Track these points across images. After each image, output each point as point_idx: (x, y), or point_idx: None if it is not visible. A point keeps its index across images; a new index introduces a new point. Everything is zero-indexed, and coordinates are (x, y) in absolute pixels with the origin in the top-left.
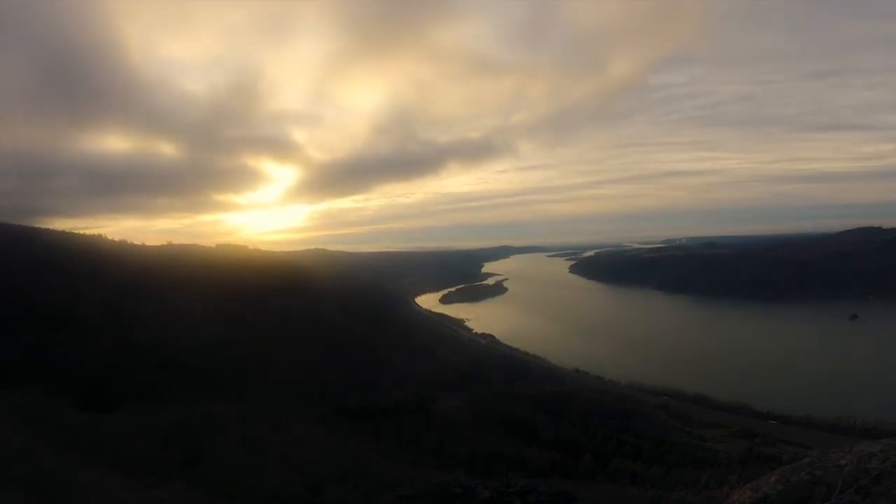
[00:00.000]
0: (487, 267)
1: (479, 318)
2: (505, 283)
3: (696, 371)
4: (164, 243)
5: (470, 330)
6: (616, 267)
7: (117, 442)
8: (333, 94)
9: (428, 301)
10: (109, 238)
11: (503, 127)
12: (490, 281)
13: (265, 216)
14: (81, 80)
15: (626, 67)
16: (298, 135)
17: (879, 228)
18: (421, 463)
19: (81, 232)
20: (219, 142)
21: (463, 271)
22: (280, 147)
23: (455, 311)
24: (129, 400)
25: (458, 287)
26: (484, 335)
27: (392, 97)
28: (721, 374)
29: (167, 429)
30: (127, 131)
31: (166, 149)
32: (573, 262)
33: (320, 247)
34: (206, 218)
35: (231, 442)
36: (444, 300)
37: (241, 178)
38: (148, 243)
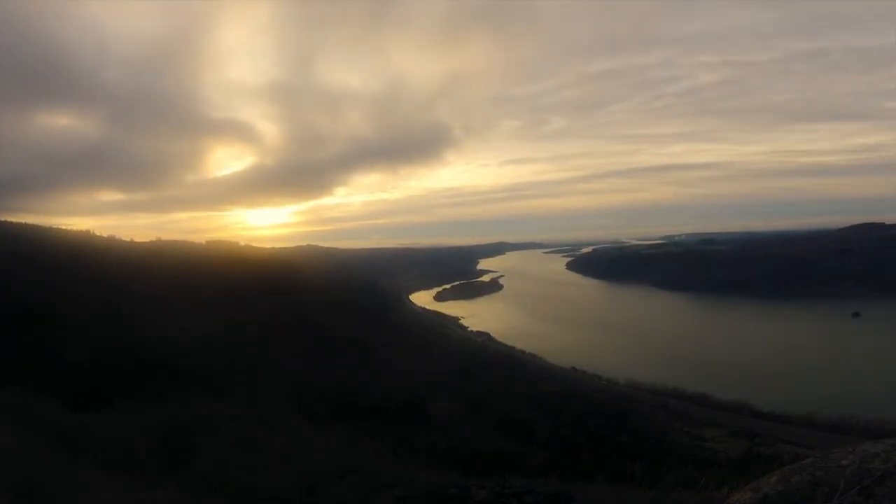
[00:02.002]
0: (483, 264)
1: (474, 315)
2: (501, 280)
3: (696, 369)
4: (153, 239)
5: (466, 328)
6: (613, 264)
7: (110, 442)
8: (302, 73)
9: (422, 298)
10: (97, 234)
11: (482, 117)
12: (486, 278)
13: (246, 212)
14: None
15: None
16: (270, 120)
17: (882, 224)
18: (416, 463)
19: (69, 228)
20: (179, 127)
21: (458, 268)
22: (248, 134)
23: (450, 308)
24: (122, 399)
25: (452, 284)
26: (480, 333)
27: (365, 76)
28: (721, 372)
29: (161, 429)
30: (71, 115)
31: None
32: (570, 259)
33: (312, 243)
34: (182, 215)
35: (225, 442)
36: (439, 297)
37: (213, 170)
38: (136, 239)
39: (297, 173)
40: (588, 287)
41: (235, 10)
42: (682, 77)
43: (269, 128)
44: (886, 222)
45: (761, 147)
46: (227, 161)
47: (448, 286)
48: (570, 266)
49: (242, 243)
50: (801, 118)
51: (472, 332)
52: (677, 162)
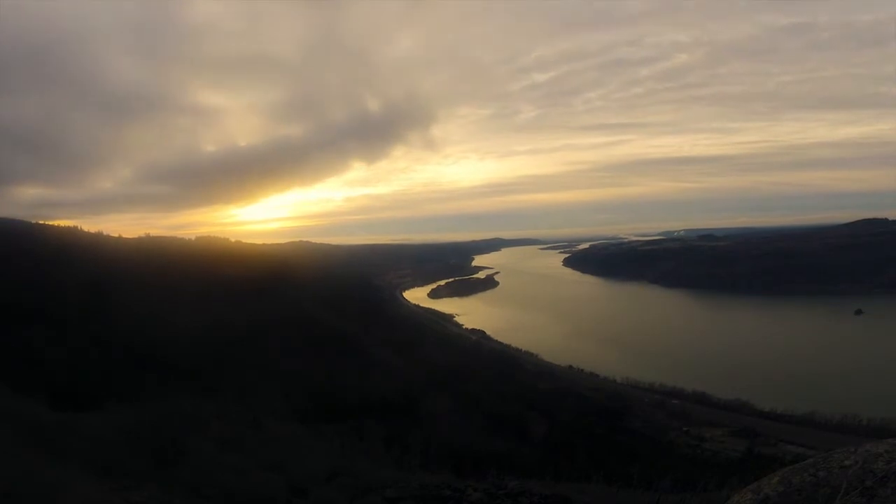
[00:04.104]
0: (478, 260)
1: (469, 313)
2: (496, 277)
3: (695, 368)
4: (142, 235)
5: (460, 325)
6: (611, 260)
7: (95, 442)
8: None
9: (416, 295)
10: (84, 230)
11: (450, 106)
12: (481, 274)
13: (231, 209)
14: None
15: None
16: (233, 98)
17: (884, 220)
18: (408, 463)
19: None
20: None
21: (452, 265)
22: (213, 118)
23: (444, 305)
24: (105, 398)
25: (447, 281)
26: (474, 331)
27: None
28: (721, 370)
29: (144, 428)
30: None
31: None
32: (567, 255)
33: (303, 239)
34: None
35: (211, 442)
36: (433, 294)
37: (176, 159)
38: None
39: (272, 159)
40: (585, 284)
41: None
42: (654, 58)
43: (232, 108)
44: (889, 218)
45: (754, 137)
46: (188, 149)
47: (443, 283)
48: (566, 262)
49: (233, 240)
50: (794, 106)
51: (466, 329)
52: (670, 155)
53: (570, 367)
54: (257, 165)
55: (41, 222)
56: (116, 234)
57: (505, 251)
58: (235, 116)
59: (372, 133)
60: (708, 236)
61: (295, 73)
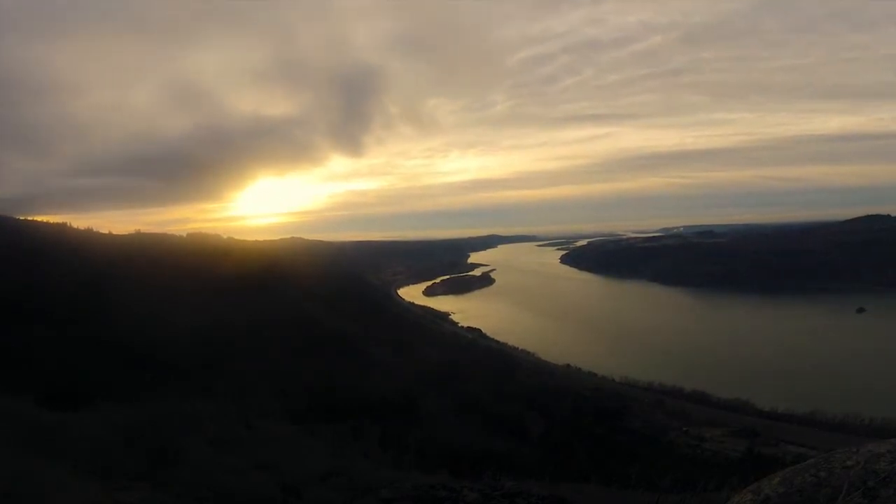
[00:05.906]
0: (474, 257)
1: (465, 311)
2: (492, 275)
3: (695, 367)
4: (132, 232)
5: (456, 324)
6: (609, 257)
7: (88, 442)
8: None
9: (411, 293)
10: (74, 227)
11: (418, 97)
12: (477, 272)
13: (222, 204)
14: None
15: None
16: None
17: (887, 216)
18: (404, 463)
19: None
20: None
21: (447, 262)
22: (187, 95)
23: (440, 303)
24: (98, 398)
25: (442, 278)
26: (470, 329)
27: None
28: (720, 370)
29: (138, 428)
30: None
31: None
32: (564, 252)
33: (295, 235)
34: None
35: (204, 442)
36: (429, 292)
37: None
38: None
39: (251, 145)
40: (583, 282)
41: None
42: (628, 39)
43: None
44: (891, 214)
45: (748, 128)
46: (154, 134)
47: (438, 280)
48: (563, 259)
49: (224, 236)
50: (788, 96)
51: (462, 327)
52: (662, 150)
53: (569, 366)
54: (236, 152)
55: (30, 219)
56: (107, 231)
57: (501, 248)
58: (203, 94)
59: (345, 121)
60: (707, 233)
61: (266, 37)
